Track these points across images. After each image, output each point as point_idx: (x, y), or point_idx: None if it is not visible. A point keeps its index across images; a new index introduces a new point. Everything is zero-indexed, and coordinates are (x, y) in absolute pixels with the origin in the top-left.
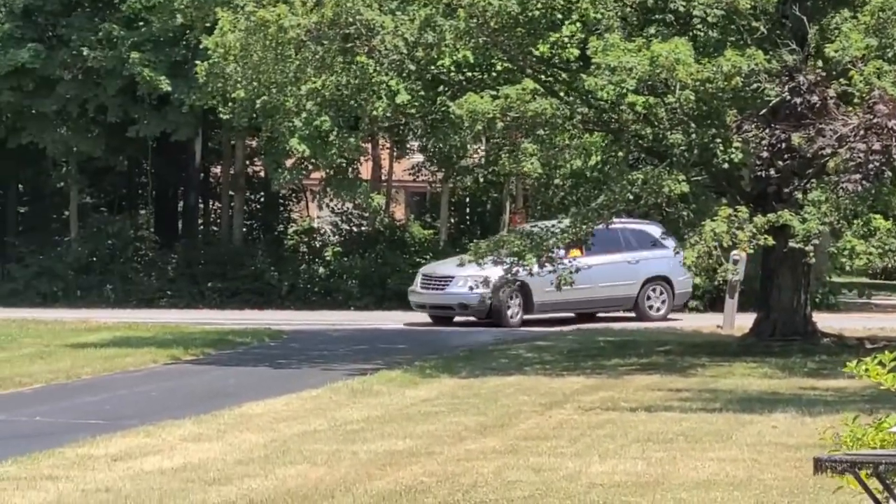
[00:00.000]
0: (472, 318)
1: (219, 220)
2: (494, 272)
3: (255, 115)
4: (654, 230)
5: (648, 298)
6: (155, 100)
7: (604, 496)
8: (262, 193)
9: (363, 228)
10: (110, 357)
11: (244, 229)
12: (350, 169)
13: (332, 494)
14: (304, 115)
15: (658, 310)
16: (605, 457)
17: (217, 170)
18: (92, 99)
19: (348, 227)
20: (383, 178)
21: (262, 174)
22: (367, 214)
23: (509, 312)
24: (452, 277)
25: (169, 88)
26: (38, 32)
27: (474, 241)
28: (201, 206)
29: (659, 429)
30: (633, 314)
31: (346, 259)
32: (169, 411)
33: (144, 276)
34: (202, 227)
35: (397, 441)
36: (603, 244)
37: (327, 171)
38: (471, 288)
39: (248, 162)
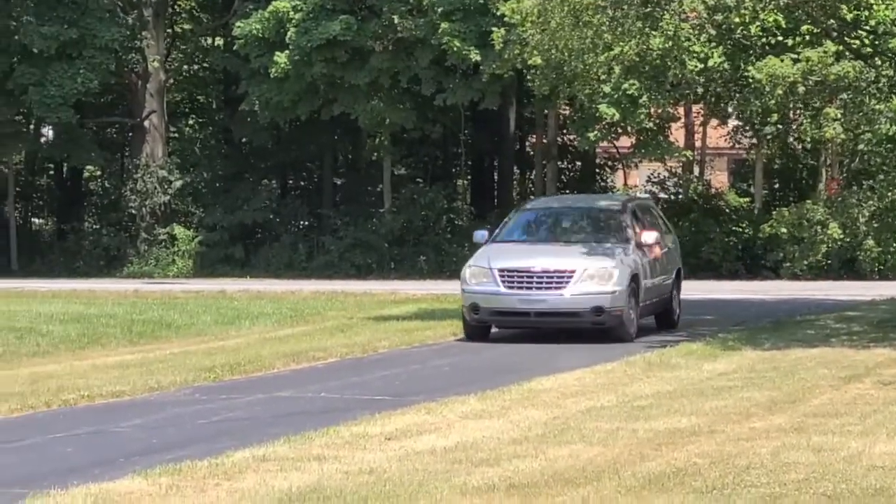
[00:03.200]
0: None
1: (533, 190)
2: (608, 263)
3: (557, 83)
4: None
5: None
6: (468, 70)
7: (882, 479)
8: (578, 163)
9: (679, 197)
10: (410, 330)
11: None
12: (661, 134)
13: (598, 477)
14: (612, 80)
15: None
16: (894, 436)
17: (533, 139)
18: (404, 70)
19: (665, 196)
20: (697, 145)
21: (576, 143)
22: (681, 181)
23: (631, 318)
24: (573, 272)
25: (478, 58)
26: (350, 3)
27: (777, 209)
28: (517, 175)
29: None
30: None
31: None
32: (457, 387)
33: (458, 246)
34: (518, 196)
35: (681, 418)
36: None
37: (638, 136)
38: (602, 285)
39: (563, 130)
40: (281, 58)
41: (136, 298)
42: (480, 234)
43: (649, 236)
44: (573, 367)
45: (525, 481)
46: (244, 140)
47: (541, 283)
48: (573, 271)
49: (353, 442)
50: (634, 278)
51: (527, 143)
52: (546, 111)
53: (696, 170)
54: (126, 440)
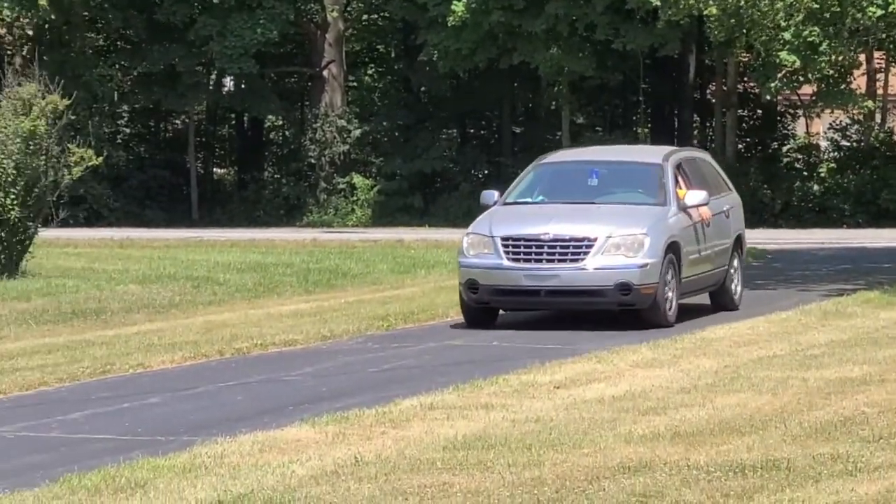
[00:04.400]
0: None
1: (713, 138)
2: (637, 229)
3: (735, 31)
4: None
5: None
6: (648, 15)
7: None
8: (759, 111)
9: (861, 144)
10: None
11: (739, 146)
12: (843, 81)
13: (764, 426)
14: (791, 27)
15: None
16: None
17: (713, 86)
18: (581, 17)
19: (847, 144)
20: (879, 92)
21: (757, 91)
22: (863, 129)
23: (668, 298)
24: (593, 240)
25: (658, 3)
26: None
27: None
28: (697, 123)
29: None
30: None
31: (839, 176)
32: (630, 336)
33: None
34: (697, 144)
35: (853, 367)
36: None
37: (819, 84)
38: (629, 256)
39: (744, 78)
40: (458, 6)
41: (314, 247)
42: (489, 195)
43: (695, 196)
44: (748, 315)
45: (690, 430)
46: (423, 89)
47: (553, 253)
48: (594, 239)
49: (521, 390)
50: (672, 247)
51: (707, 91)
52: (725, 59)
53: (878, 117)
54: (296, 388)
